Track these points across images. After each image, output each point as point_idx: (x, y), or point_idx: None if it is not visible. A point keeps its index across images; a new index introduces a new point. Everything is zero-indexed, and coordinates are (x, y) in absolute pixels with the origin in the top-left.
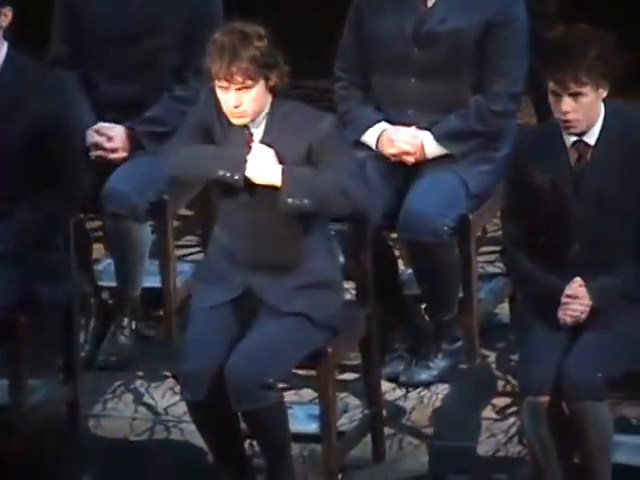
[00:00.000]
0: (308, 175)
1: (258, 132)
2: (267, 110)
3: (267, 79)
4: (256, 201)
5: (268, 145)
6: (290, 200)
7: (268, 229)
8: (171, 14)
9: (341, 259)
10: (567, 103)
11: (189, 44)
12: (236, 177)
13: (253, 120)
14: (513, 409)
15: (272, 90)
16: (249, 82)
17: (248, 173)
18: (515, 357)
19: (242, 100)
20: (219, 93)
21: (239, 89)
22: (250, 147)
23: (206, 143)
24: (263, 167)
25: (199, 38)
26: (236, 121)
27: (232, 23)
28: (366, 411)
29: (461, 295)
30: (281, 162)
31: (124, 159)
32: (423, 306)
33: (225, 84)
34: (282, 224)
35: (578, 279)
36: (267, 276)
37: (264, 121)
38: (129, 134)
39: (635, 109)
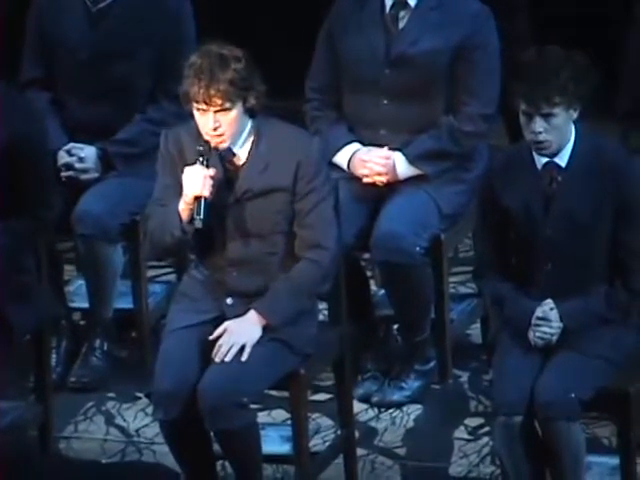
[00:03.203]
0: (281, 302)
1: (242, 152)
2: (248, 129)
3: (245, 100)
4: (231, 234)
5: (258, 161)
6: (277, 325)
7: (243, 260)
8: (142, 37)
9: None
10: (538, 124)
11: (161, 66)
12: (195, 225)
13: (233, 142)
14: (486, 429)
15: (250, 111)
16: (228, 104)
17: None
18: (488, 377)
19: (220, 122)
20: (197, 116)
21: (217, 111)
22: (230, 167)
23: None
24: (243, 332)
25: (171, 60)
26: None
27: (209, 45)
28: (339, 432)
29: (433, 316)
30: (270, 179)
31: (95, 180)
32: (396, 326)
33: (204, 107)
34: (257, 256)
35: (549, 301)
36: (243, 301)
37: (249, 140)
38: (100, 155)
39: (604, 132)
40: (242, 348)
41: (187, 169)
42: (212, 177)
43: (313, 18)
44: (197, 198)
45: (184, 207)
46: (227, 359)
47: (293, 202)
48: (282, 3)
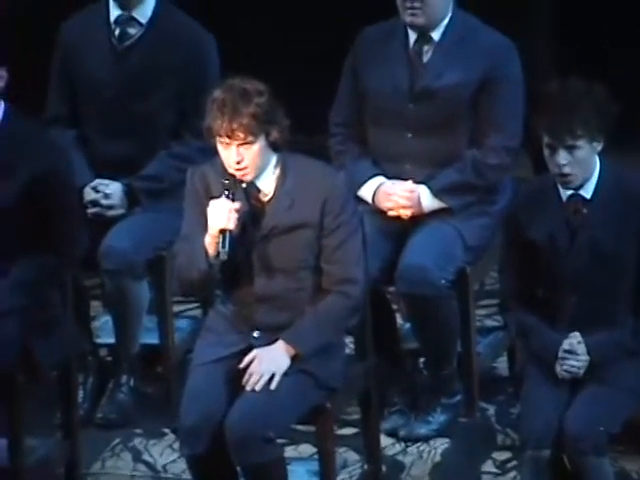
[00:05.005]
0: (310, 332)
1: (267, 186)
2: (274, 164)
3: (268, 134)
4: (257, 270)
5: (284, 197)
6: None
7: (270, 296)
8: (166, 74)
9: None
10: (562, 156)
11: (185, 102)
12: (221, 257)
13: (257, 176)
14: (513, 463)
15: (273, 145)
16: (250, 138)
17: (266, 372)
18: (515, 410)
19: (244, 156)
20: (221, 150)
21: (240, 145)
22: (256, 203)
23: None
24: (272, 361)
25: (194, 96)
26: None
27: (231, 80)
28: (365, 466)
29: (460, 349)
30: (297, 215)
31: (121, 216)
32: (422, 360)
33: (227, 140)
34: (283, 292)
35: (577, 334)
36: (269, 335)
37: (274, 175)
38: (126, 191)
39: (628, 163)
40: (271, 378)
41: (212, 202)
42: (237, 210)
43: (335, 52)
44: (222, 231)
45: (210, 241)
46: (257, 388)
47: (320, 237)
48: (307, 38)
